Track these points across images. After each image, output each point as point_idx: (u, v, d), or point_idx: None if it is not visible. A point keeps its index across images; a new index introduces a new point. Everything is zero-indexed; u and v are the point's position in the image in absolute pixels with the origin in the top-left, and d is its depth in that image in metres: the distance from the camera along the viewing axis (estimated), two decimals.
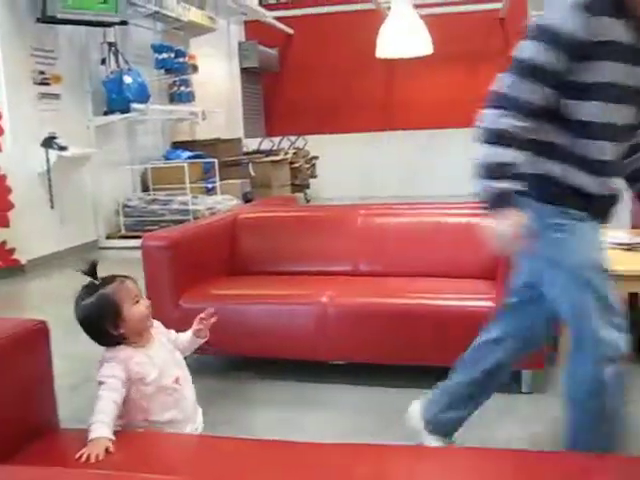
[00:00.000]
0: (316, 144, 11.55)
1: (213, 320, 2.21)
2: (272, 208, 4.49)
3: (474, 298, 3.17)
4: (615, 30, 1.87)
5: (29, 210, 6.56)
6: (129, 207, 8.04)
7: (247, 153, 10.46)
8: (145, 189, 8.55)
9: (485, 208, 2.03)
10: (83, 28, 7.35)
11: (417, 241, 3.69)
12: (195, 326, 2.21)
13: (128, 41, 8.32)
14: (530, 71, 1.93)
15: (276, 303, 3.42)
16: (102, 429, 1.78)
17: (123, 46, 8.04)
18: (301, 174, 10.84)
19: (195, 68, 9.61)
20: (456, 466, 1.74)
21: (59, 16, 6.67)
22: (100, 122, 7.69)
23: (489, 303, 3.07)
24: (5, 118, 6.36)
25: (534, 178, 2.05)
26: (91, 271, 1.99)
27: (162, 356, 2.03)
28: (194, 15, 8.99)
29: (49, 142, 6.74)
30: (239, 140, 10.64)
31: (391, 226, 3.84)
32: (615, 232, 3.93)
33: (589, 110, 1.94)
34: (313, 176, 11.46)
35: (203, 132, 9.95)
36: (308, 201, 11.11)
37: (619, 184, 2.16)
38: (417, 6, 8.15)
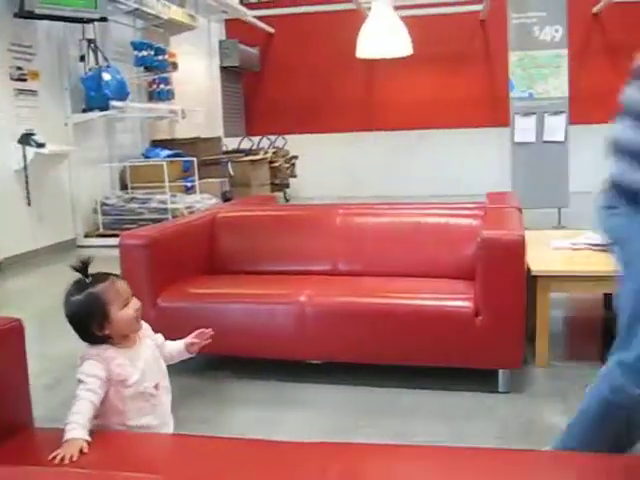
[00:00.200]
0: (296, 144, 11.55)
1: (209, 340, 2.20)
2: (251, 207, 4.47)
3: (452, 298, 3.18)
4: None
5: (5, 208, 6.50)
6: (107, 205, 7.98)
7: (227, 152, 10.44)
8: (124, 187, 8.49)
9: None
10: (62, 24, 7.29)
11: (396, 241, 3.70)
12: (189, 339, 2.19)
13: (107, 38, 8.26)
14: None
15: (254, 302, 3.40)
16: (77, 430, 1.76)
17: (102, 43, 7.98)
18: (280, 173, 10.83)
19: (175, 66, 9.57)
20: (433, 465, 1.75)
21: (37, 11, 6.60)
22: (78, 119, 7.62)
23: (467, 303, 3.09)
24: None
25: None
26: (82, 268, 1.95)
27: (145, 359, 2.00)
28: (174, 13, 8.95)
29: (26, 139, 6.67)
30: (219, 139, 10.61)
31: (370, 226, 3.84)
32: (592, 233, 3.97)
33: None
34: (293, 175, 11.46)
35: (183, 131, 9.91)
36: (287, 200, 11.11)
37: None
38: (398, 7, 8.17)
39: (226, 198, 8.74)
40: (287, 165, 11.19)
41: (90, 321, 1.91)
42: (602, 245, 3.75)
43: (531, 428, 2.86)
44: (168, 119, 9.56)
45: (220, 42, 11.76)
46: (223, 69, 11.79)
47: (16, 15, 6.60)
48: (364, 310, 3.23)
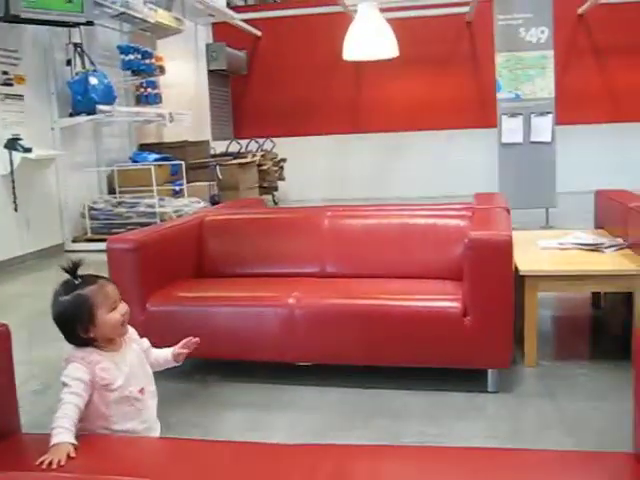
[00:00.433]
0: (284, 147, 11.56)
1: (194, 347, 2.21)
2: (239, 210, 4.47)
3: (440, 299, 3.19)
4: None
5: None
6: (95, 210, 7.95)
7: (215, 155, 10.42)
8: (111, 192, 8.45)
9: None
10: (48, 28, 7.25)
11: (384, 242, 3.71)
12: (178, 349, 2.19)
13: (94, 42, 8.24)
14: None
15: (243, 305, 3.40)
16: (64, 434, 1.75)
17: (89, 47, 7.95)
18: (269, 176, 10.82)
19: (162, 70, 9.54)
20: (423, 465, 1.75)
21: (23, 15, 6.57)
22: (65, 124, 7.59)
23: (455, 303, 3.10)
24: None
25: None
26: (72, 269, 1.95)
27: (130, 364, 2.00)
28: (161, 16, 8.92)
29: (13, 144, 6.63)
30: (207, 142, 10.58)
31: (358, 228, 3.84)
32: (579, 233, 4.00)
33: None
34: (281, 178, 11.46)
35: (170, 134, 9.89)
36: (276, 203, 11.11)
37: None
38: (384, 10, 8.18)
39: (214, 201, 8.72)
40: (275, 168, 11.18)
41: (76, 323, 1.90)
42: (589, 245, 3.78)
43: (520, 427, 2.87)
44: (156, 123, 9.53)
45: (207, 45, 11.74)
46: (210, 72, 11.77)
47: (1, 19, 6.55)
48: (353, 312, 3.23)
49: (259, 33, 12.30)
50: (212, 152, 10.60)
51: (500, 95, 7.82)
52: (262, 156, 10.80)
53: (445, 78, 11.65)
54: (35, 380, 3.48)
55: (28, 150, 6.67)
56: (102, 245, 3.60)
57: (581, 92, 10.83)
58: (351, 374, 3.34)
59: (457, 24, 11.52)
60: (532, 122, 7.71)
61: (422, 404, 3.06)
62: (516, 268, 3.36)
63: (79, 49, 7.68)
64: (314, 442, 1.86)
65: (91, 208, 7.94)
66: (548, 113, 7.70)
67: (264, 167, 10.64)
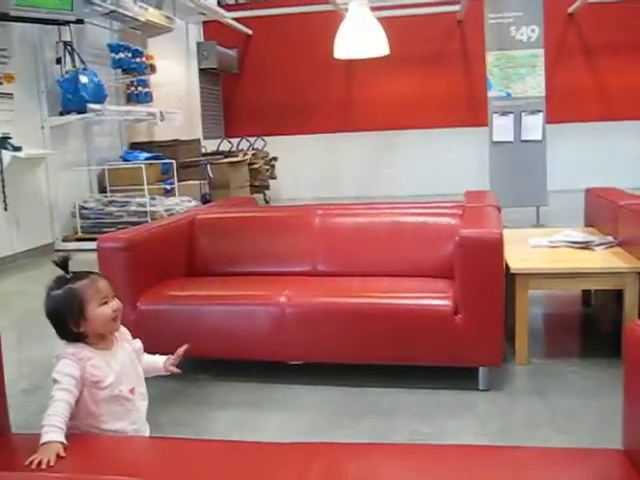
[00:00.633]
0: (276, 145, 11.55)
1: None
2: (230, 209, 4.46)
3: (432, 297, 3.19)
4: None
5: None
6: (86, 209, 7.92)
7: (206, 154, 10.40)
8: (102, 191, 8.43)
9: None
10: (37, 26, 7.22)
11: (375, 241, 3.71)
12: (173, 360, 2.19)
13: (84, 40, 8.20)
14: None
15: (234, 304, 3.39)
16: (54, 433, 1.74)
17: (79, 45, 7.92)
18: (260, 175, 10.81)
19: (153, 68, 9.51)
20: (414, 463, 1.75)
21: (12, 13, 6.54)
22: (55, 122, 7.56)
23: (446, 302, 3.10)
24: None
25: None
26: (63, 264, 1.96)
27: (122, 363, 1.99)
28: (151, 15, 8.89)
29: (2, 142, 6.60)
30: (198, 141, 10.57)
31: (349, 226, 3.84)
32: (569, 231, 4.01)
33: None
34: (272, 177, 11.45)
35: (161, 133, 9.86)
36: (267, 202, 11.10)
37: None
38: (375, 8, 8.18)
39: (205, 200, 8.70)
40: (267, 167, 11.17)
41: (67, 317, 1.91)
42: (579, 242, 3.80)
43: (511, 425, 2.88)
44: (146, 122, 9.50)
45: (198, 44, 11.72)
46: (201, 71, 11.74)
47: None
48: (344, 310, 3.23)
49: (250, 32, 12.28)
50: (203, 151, 10.59)
51: (491, 93, 7.84)
52: (253, 155, 10.79)
53: (436, 77, 11.67)
54: (25, 379, 3.47)
55: (18, 149, 6.64)
56: (93, 244, 3.59)
57: (571, 90, 10.86)
58: (342, 372, 3.34)
59: (448, 23, 11.54)
60: (523, 120, 7.73)
61: (413, 402, 3.06)
62: (507, 266, 3.37)
63: (69, 47, 7.65)
64: (305, 441, 1.85)
65: (82, 207, 7.91)
66: (539, 111, 7.73)
67: (255, 166, 10.63)
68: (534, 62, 7.74)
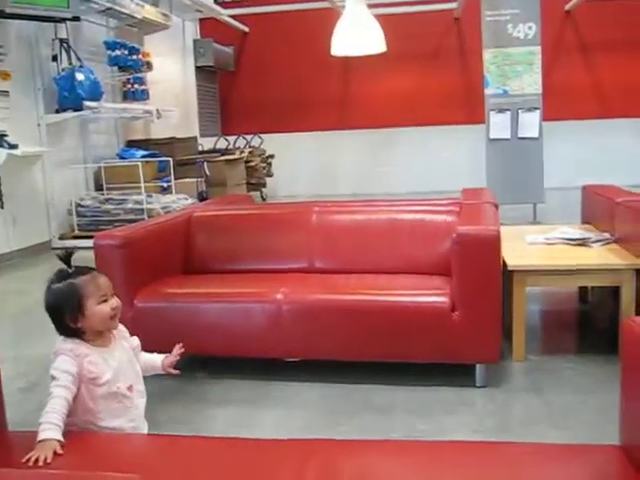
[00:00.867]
0: (272, 143, 11.54)
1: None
2: (227, 206, 4.46)
3: (429, 294, 3.19)
4: None
5: None
6: (82, 207, 7.91)
7: (202, 152, 10.39)
8: (99, 188, 8.41)
9: None
10: (33, 23, 7.20)
11: (372, 238, 3.71)
12: (172, 358, 2.19)
13: (80, 37, 8.18)
14: None
15: (231, 301, 3.39)
16: (51, 431, 1.74)
17: (75, 42, 7.90)
18: (257, 173, 10.80)
19: (149, 66, 9.49)
20: (411, 459, 1.75)
21: (8, 10, 6.52)
22: (52, 120, 7.54)
23: (443, 298, 3.10)
24: None
25: None
26: (66, 258, 1.96)
27: (119, 360, 1.99)
28: (148, 12, 8.88)
29: None
30: (194, 139, 10.56)
31: (346, 223, 3.84)
32: (566, 228, 4.02)
33: None
34: (269, 175, 11.44)
35: (158, 131, 9.84)
36: (264, 199, 11.09)
37: None
38: (372, 6, 8.17)
39: (202, 198, 8.70)
40: (263, 164, 11.16)
41: (65, 311, 1.91)
42: (576, 239, 3.80)
43: (508, 422, 2.88)
44: (143, 119, 9.49)
45: (194, 41, 11.70)
46: (198, 69, 11.73)
47: None
48: (341, 307, 3.23)
49: (247, 29, 12.26)
50: (200, 149, 10.58)
51: (488, 91, 7.85)
52: (250, 152, 10.79)
53: (433, 74, 11.67)
54: (21, 378, 3.46)
55: (14, 147, 6.62)
56: (89, 242, 3.58)
57: (568, 88, 10.87)
58: (339, 370, 3.34)
59: (445, 20, 11.53)
60: (520, 118, 7.74)
61: (410, 399, 3.06)
62: (504, 263, 3.37)
63: (65, 45, 7.63)
64: (303, 437, 1.85)
65: (78, 205, 7.90)
66: (535, 109, 7.74)
67: (252, 163, 10.63)
68: (531, 59, 7.74)
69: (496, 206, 3.77)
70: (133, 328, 2.19)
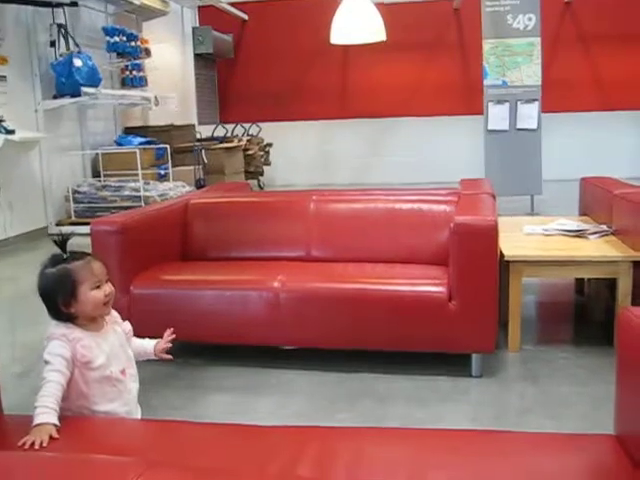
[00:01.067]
0: (271, 131, 11.50)
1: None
2: (224, 194, 4.44)
3: (426, 283, 3.19)
4: None
5: None
6: (79, 193, 7.88)
7: (200, 140, 10.36)
8: (96, 175, 8.39)
9: None
10: (31, 8, 7.16)
11: (370, 227, 3.71)
12: (163, 344, 2.18)
13: (78, 23, 8.13)
14: None
15: (228, 289, 3.39)
16: (47, 415, 1.74)
17: (73, 28, 7.85)
18: (255, 161, 10.79)
19: (148, 52, 9.45)
20: (408, 446, 1.75)
21: None
22: (49, 106, 7.51)
23: (441, 288, 3.11)
24: None
25: None
26: (62, 243, 1.96)
27: (112, 344, 1.99)
28: None
29: None
30: (192, 126, 10.53)
31: (343, 212, 3.84)
32: (564, 219, 4.02)
33: None
34: (267, 163, 11.42)
35: (156, 118, 9.81)
36: (262, 188, 11.08)
37: None
38: None
39: (200, 186, 8.68)
40: (261, 153, 11.14)
41: (58, 296, 1.90)
42: (573, 231, 3.80)
43: (503, 411, 2.89)
44: (141, 106, 9.46)
45: (193, 29, 11.65)
46: (196, 56, 11.68)
47: None
48: (338, 296, 3.23)
49: (246, 17, 12.21)
50: (198, 136, 10.54)
51: (487, 82, 7.83)
52: (248, 141, 10.77)
53: (432, 65, 11.64)
54: (17, 363, 3.46)
55: (11, 132, 6.59)
56: (86, 229, 3.57)
57: (567, 80, 10.86)
58: (336, 358, 3.34)
59: (445, 10, 11.49)
60: (518, 109, 7.73)
61: (407, 388, 3.07)
62: (501, 253, 3.37)
63: (63, 30, 7.58)
64: (299, 424, 1.86)
65: (75, 191, 7.87)
66: (534, 100, 7.72)
67: (250, 152, 10.61)
68: (530, 50, 7.72)
69: (494, 196, 3.76)
70: (129, 314, 2.20)
